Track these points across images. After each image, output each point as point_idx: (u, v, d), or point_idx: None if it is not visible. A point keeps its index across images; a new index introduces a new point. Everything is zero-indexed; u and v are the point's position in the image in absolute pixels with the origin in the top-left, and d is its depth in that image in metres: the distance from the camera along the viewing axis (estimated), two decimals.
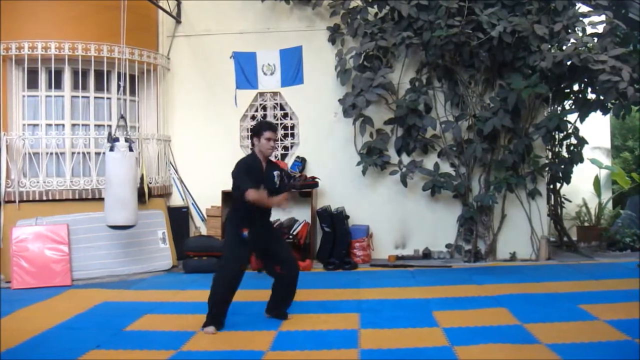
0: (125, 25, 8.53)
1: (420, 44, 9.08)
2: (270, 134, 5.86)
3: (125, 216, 7.91)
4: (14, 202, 8.45)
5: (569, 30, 8.81)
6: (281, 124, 10.09)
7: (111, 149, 7.85)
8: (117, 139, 7.95)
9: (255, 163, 5.89)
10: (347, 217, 9.46)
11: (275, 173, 5.97)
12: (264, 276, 6.20)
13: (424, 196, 9.57)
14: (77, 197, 8.72)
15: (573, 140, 9.48)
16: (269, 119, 10.11)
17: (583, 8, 9.12)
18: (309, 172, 9.76)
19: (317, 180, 9.53)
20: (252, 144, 5.97)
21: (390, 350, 5.06)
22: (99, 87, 9.13)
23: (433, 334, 5.47)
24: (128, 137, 8.22)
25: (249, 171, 5.79)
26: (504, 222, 9.49)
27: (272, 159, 9.87)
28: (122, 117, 8.52)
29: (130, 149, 7.98)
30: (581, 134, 9.42)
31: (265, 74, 9.95)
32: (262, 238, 5.90)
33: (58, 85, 8.89)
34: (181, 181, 10.14)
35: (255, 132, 5.90)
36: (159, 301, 7.01)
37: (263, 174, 5.86)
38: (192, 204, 10.11)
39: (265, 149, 5.86)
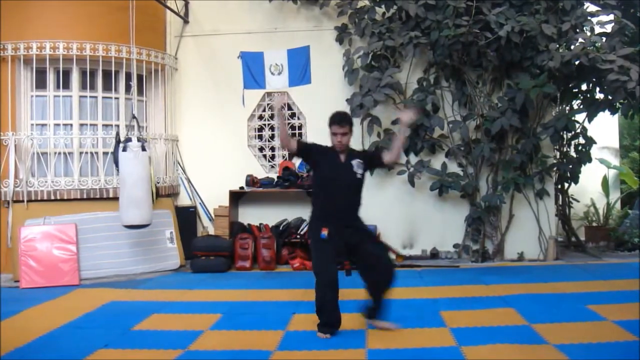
0: (134, 25, 8.56)
1: (428, 44, 9.07)
2: (335, 128, 5.50)
3: (140, 215, 7.91)
4: (23, 201, 8.48)
5: (577, 30, 8.78)
6: (289, 123, 10.09)
7: (124, 149, 7.84)
8: (129, 139, 7.97)
9: (331, 151, 5.59)
10: None
11: (355, 162, 5.57)
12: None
13: (432, 196, 9.55)
14: (85, 196, 8.75)
15: (581, 140, 9.45)
16: (277, 118, 10.13)
17: (591, 7, 9.08)
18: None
19: None
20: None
21: (398, 350, 5.06)
22: (106, 87, 9.15)
23: (440, 334, 5.47)
24: (141, 136, 8.24)
25: (320, 153, 5.60)
26: (511, 222, 9.47)
27: (281, 158, 9.98)
28: (134, 116, 8.54)
29: (143, 149, 7.99)
30: (589, 133, 9.38)
31: (272, 73, 9.94)
32: (346, 239, 5.54)
33: (66, 85, 8.91)
34: (189, 181, 10.16)
35: (328, 125, 5.60)
36: (166, 301, 7.03)
37: (341, 164, 5.55)
38: (200, 203, 10.12)
39: (333, 143, 5.57)
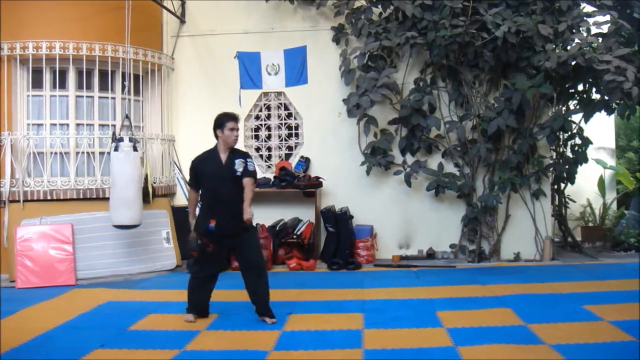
0: (130, 25, 8.56)
1: (425, 44, 9.08)
2: (233, 124, 6.10)
3: (130, 216, 7.94)
4: (19, 201, 8.46)
5: (574, 30, 8.80)
6: (285, 123, 10.11)
7: (115, 149, 7.88)
8: (121, 139, 7.99)
9: (212, 155, 6.17)
10: (351, 217, 9.46)
11: (237, 161, 6.07)
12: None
13: (428, 196, 9.56)
14: (81, 196, 8.73)
15: (577, 141, 9.48)
16: (273, 119, 10.13)
17: (588, 8, 9.10)
18: (313, 172, 9.77)
19: (321, 180, 9.53)
20: (216, 136, 6.17)
21: (394, 350, 5.07)
22: (103, 87, 9.13)
23: (437, 334, 5.47)
24: (132, 136, 8.25)
25: (199, 166, 6.18)
26: (508, 222, 9.48)
27: (277, 158, 10.01)
28: (127, 116, 8.54)
29: (135, 149, 8.00)
30: (586, 134, 9.41)
31: (269, 73, 9.95)
32: (227, 233, 5.99)
33: (62, 85, 8.90)
34: (185, 181, 10.14)
35: (219, 124, 6.13)
36: (163, 301, 7.03)
37: (223, 164, 6.07)
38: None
39: (231, 140, 6.10)
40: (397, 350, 5.06)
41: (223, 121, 6.10)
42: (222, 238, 6.00)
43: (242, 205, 5.95)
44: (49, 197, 8.60)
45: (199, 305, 6.20)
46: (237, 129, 6.19)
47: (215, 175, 6.03)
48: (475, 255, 9.27)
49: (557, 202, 10.15)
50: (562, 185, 10.06)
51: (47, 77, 8.84)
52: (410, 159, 9.52)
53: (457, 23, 8.58)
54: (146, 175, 8.98)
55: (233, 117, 6.16)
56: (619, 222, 10.82)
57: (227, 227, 5.95)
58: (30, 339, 5.55)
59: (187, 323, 6.01)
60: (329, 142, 9.80)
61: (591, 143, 9.48)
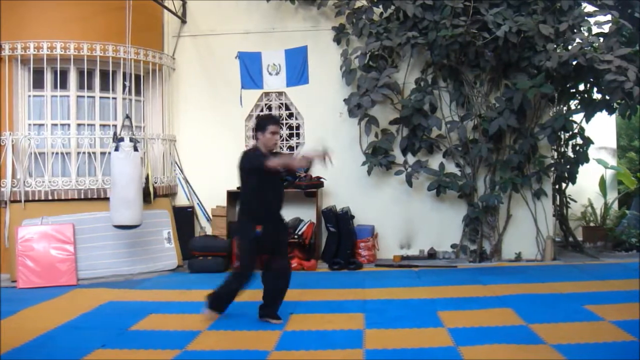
0: (131, 25, 8.57)
1: (426, 44, 9.08)
2: (275, 127, 5.86)
3: (130, 216, 7.95)
4: (20, 201, 8.47)
5: (575, 30, 8.80)
6: (286, 123, 10.10)
7: (116, 149, 7.89)
8: (122, 139, 8.00)
9: (262, 156, 5.80)
10: (352, 217, 9.46)
11: None
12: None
13: (429, 196, 9.56)
14: (82, 196, 8.74)
15: (579, 140, 9.48)
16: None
17: (589, 8, 9.09)
18: (314, 172, 9.75)
19: (322, 180, 9.52)
20: (256, 138, 5.92)
21: (395, 350, 5.07)
22: (104, 87, 9.13)
23: (438, 334, 5.47)
24: (133, 136, 8.25)
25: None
26: (509, 222, 9.47)
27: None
28: (128, 116, 8.55)
29: (135, 149, 8.01)
30: (587, 134, 9.40)
31: (270, 73, 9.95)
32: (273, 237, 5.92)
33: (63, 85, 8.90)
34: (186, 181, 10.15)
35: (261, 126, 5.86)
36: (164, 301, 7.03)
37: None
38: (198, 203, 10.11)
39: (272, 143, 5.85)
40: (398, 350, 5.06)
41: (265, 124, 5.85)
42: (267, 241, 5.87)
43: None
44: (50, 197, 8.61)
45: (227, 304, 6.12)
46: (279, 133, 6.01)
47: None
48: (477, 255, 9.27)
49: (558, 202, 10.15)
50: (564, 185, 10.06)
51: (48, 77, 8.84)
52: (411, 159, 9.51)
53: (458, 23, 8.58)
54: (147, 176, 8.98)
55: (275, 121, 6.00)
56: (620, 222, 10.81)
57: (273, 230, 5.90)
58: (32, 339, 5.55)
59: (188, 323, 5.99)
60: (330, 142, 9.69)
61: (592, 143, 9.47)
